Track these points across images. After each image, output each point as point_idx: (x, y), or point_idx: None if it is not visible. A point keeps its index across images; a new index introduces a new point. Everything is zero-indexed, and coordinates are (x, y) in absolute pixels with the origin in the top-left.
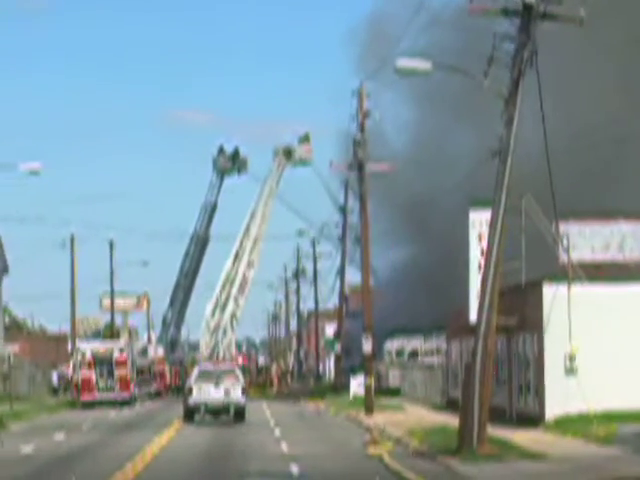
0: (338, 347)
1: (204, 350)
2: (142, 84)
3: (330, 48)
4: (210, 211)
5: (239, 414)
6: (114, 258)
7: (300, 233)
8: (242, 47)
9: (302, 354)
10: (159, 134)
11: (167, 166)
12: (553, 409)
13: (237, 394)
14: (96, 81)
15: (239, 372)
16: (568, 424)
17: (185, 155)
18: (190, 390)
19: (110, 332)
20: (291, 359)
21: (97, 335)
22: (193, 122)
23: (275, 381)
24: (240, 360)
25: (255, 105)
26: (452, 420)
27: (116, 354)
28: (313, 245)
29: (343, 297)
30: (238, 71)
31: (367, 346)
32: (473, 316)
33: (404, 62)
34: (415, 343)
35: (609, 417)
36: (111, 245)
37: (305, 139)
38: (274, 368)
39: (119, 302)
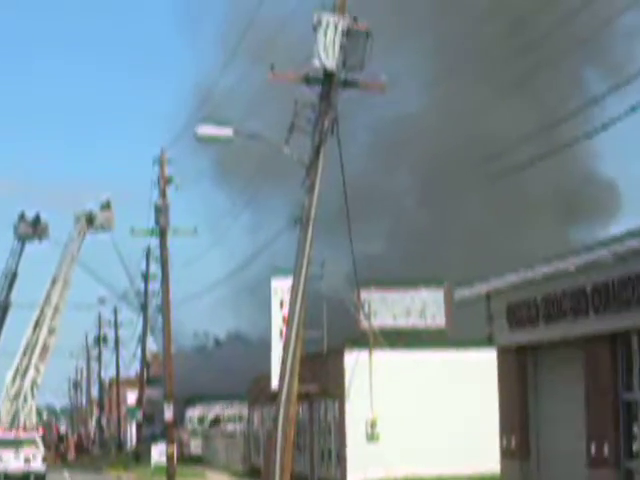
0: (140, 415)
1: (4, 418)
2: None
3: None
4: (11, 278)
5: None
6: None
7: (101, 301)
8: (44, 110)
9: (104, 422)
10: None
11: None
12: (355, 475)
13: (37, 463)
14: None
15: (39, 440)
16: None
17: None
18: None
19: None
20: (93, 427)
21: None
22: None
23: (72, 449)
24: (40, 431)
25: (57, 170)
26: None
27: None
28: (115, 313)
29: (144, 364)
30: (40, 135)
31: (168, 414)
32: (275, 383)
33: (204, 129)
34: (217, 410)
35: None
36: None
37: (107, 205)
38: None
39: None
